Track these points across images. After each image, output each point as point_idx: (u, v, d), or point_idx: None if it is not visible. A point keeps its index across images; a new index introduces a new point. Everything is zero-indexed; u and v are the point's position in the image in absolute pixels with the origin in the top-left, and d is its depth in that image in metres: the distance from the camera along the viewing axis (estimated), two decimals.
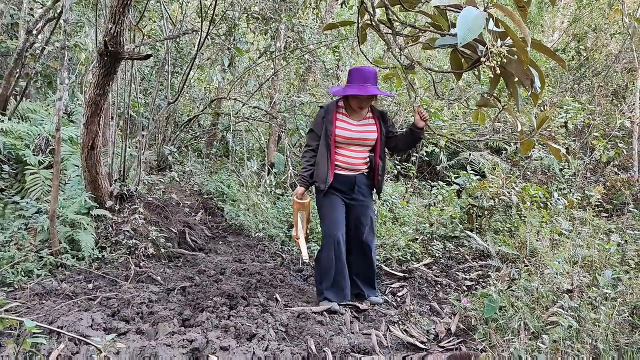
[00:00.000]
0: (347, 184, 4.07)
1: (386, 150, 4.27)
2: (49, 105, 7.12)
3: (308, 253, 4.26)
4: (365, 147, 4.09)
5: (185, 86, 7.27)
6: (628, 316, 3.29)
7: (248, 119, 8.14)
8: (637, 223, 6.08)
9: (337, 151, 4.02)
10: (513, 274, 4.51)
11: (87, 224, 4.74)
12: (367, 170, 4.16)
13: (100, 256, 4.66)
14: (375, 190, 4.27)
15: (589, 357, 2.88)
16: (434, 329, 3.92)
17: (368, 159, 4.13)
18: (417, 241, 5.86)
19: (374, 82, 3.88)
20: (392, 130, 4.20)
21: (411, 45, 4.03)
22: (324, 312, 3.99)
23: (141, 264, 4.77)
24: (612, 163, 8.45)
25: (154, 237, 5.10)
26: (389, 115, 4.28)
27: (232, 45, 7.40)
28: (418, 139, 4.12)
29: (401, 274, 5.04)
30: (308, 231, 4.27)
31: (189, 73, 7.04)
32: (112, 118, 5.79)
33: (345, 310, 4.09)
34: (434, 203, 7.13)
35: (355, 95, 3.91)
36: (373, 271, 4.29)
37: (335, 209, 4.05)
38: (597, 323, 3.14)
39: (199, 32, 6.47)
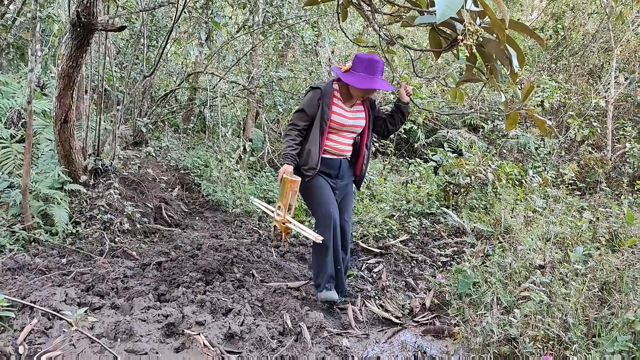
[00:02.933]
0: (333, 168, 3.87)
1: (375, 134, 4.09)
2: (21, 77, 6.96)
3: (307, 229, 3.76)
4: (354, 133, 3.89)
5: (161, 60, 7.14)
6: (598, 291, 3.36)
7: (225, 94, 8.05)
8: (609, 201, 6.18)
9: (328, 137, 3.80)
10: (487, 250, 4.57)
11: (61, 199, 4.68)
12: (350, 155, 3.99)
13: (74, 231, 4.61)
14: (355, 179, 4.06)
15: (559, 331, 2.94)
16: (409, 304, 3.98)
17: (352, 145, 3.95)
18: (394, 218, 5.90)
19: (381, 73, 3.66)
20: (379, 115, 4.00)
21: (392, 23, 4.00)
22: (301, 288, 4.01)
23: (116, 239, 4.73)
24: (586, 142, 8.55)
25: (130, 212, 5.05)
26: (376, 102, 4.06)
27: (209, 19, 7.27)
28: (405, 114, 3.94)
29: (377, 250, 5.08)
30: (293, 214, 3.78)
31: (165, 46, 6.91)
32: (86, 91, 5.68)
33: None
34: (411, 180, 7.17)
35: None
36: (346, 261, 4.04)
37: (326, 190, 3.82)
38: (567, 298, 3.20)
39: (176, 5, 6.34)
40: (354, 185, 4.12)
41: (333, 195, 3.85)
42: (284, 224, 3.71)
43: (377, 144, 8.66)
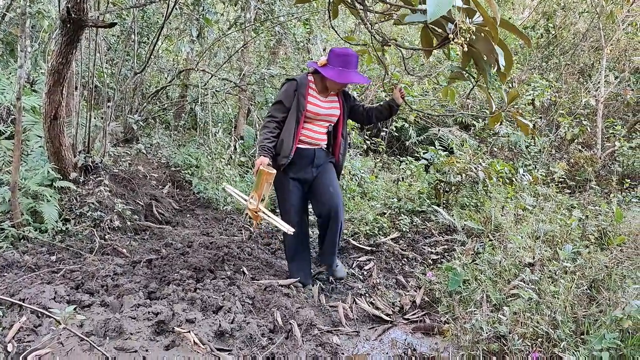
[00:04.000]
0: (307, 158, 4.02)
1: (357, 123, 4.31)
2: (10, 73, 6.90)
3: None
4: (328, 122, 4.08)
5: (152, 56, 7.11)
6: (586, 289, 3.38)
7: (217, 91, 8.03)
8: (598, 199, 6.22)
9: (304, 126, 3.97)
10: (477, 248, 4.59)
11: (50, 196, 4.65)
12: (325, 144, 4.15)
13: (63, 228, 4.58)
14: (334, 164, 4.20)
15: (548, 328, 2.96)
16: (399, 301, 3.99)
17: (327, 134, 4.12)
18: (385, 215, 5.91)
19: (356, 66, 3.84)
20: (357, 104, 4.21)
21: (383, 22, 4.02)
22: (291, 285, 4.02)
23: (106, 237, 4.70)
24: (576, 140, 8.60)
25: (120, 210, 5.03)
26: (349, 92, 4.25)
27: (200, 16, 7.25)
28: (394, 113, 4.19)
29: (368, 248, 5.09)
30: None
31: (156, 43, 6.88)
32: (76, 88, 5.65)
33: (313, 285, 4.12)
34: (403, 178, 7.18)
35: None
36: (338, 239, 4.14)
37: (292, 194, 4.03)
38: (556, 295, 3.22)
39: (167, 1, 6.31)
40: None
41: (300, 202, 4.11)
42: (256, 212, 3.79)
43: (368, 142, 8.66)
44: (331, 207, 4.00)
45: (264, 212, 3.78)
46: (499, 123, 3.77)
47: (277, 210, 4.41)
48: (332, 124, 4.11)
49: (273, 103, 4.03)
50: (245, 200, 3.91)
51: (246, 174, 7.59)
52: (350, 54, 3.81)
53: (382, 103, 4.21)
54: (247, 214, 4.04)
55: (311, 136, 4.01)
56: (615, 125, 8.83)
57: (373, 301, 3.97)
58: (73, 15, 4.01)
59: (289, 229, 3.68)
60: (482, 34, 2.96)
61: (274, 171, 3.73)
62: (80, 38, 4.36)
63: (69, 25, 4.12)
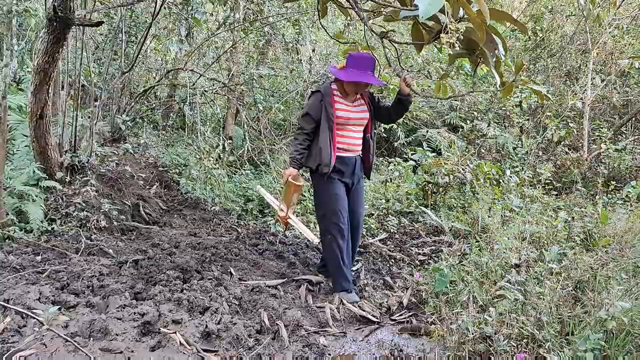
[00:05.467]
0: (350, 166, 4.09)
1: (380, 122, 4.47)
2: None
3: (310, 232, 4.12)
4: (361, 127, 4.14)
5: (140, 56, 7.07)
6: (572, 290, 3.40)
7: (205, 91, 8.00)
8: (584, 201, 6.27)
9: (338, 133, 4.02)
10: (464, 249, 4.61)
11: (36, 196, 4.61)
12: (362, 152, 4.23)
13: (49, 229, 4.55)
14: (365, 172, 4.31)
15: (533, 329, 2.98)
16: (386, 302, 3.99)
17: (362, 140, 4.20)
18: (373, 217, 5.92)
19: (369, 68, 3.93)
20: (381, 104, 4.26)
21: (375, 17, 4.04)
22: (278, 286, 4.01)
23: (93, 237, 4.67)
24: (563, 143, 8.66)
25: (107, 210, 5.00)
26: (375, 94, 4.34)
27: (189, 15, 7.22)
28: (406, 105, 4.11)
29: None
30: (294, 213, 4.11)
31: (143, 42, 6.85)
32: (63, 87, 5.61)
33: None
34: (391, 179, 7.20)
35: (355, 82, 3.95)
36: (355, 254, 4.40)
37: (340, 197, 4.04)
38: (542, 296, 3.24)
39: (155, 0, 6.28)
40: (364, 176, 4.38)
41: (346, 201, 4.08)
42: (286, 220, 3.99)
43: None
44: (360, 216, 4.25)
45: (293, 220, 3.97)
46: (511, 93, 3.77)
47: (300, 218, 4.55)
48: (364, 127, 4.18)
49: (301, 115, 4.15)
50: (277, 205, 4.09)
51: (234, 174, 7.57)
52: (364, 56, 3.92)
53: (393, 101, 4.23)
54: (277, 219, 4.20)
55: (348, 142, 4.08)
56: (602, 128, 8.91)
57: (360, 302, 3.98)
58: (60, 13, 3.99)
59: (314, 239, 3.86)
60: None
61: (302, 183, 3.90)
62: (67, 36, 4.34)
63: (55, 24, 4.10)
